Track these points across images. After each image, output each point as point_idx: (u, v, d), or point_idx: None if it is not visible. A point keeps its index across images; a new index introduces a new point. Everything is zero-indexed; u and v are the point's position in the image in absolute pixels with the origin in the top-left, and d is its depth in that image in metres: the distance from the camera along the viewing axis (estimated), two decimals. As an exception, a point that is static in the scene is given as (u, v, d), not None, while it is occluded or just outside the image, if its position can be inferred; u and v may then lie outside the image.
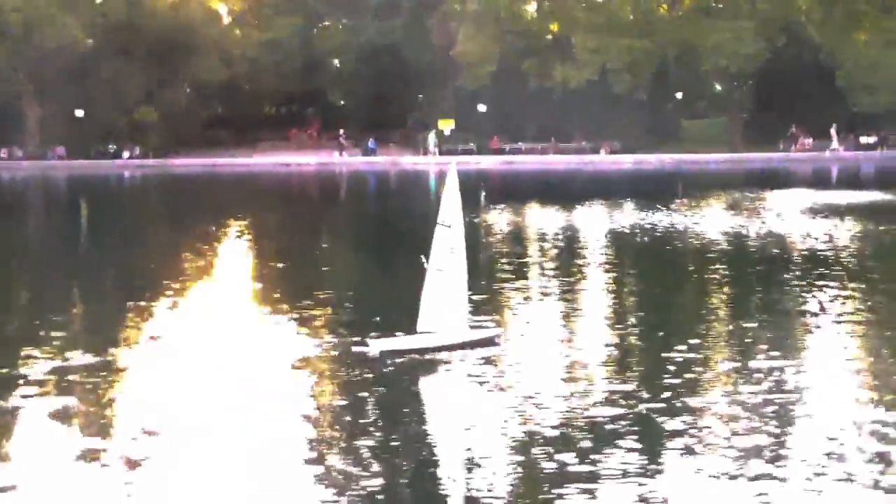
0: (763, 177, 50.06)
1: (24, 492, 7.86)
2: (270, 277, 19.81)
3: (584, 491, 7.65)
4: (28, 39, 67.71)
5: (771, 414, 9.44)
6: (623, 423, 9.25)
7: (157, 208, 41.57)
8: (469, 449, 8.74)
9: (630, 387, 10.52)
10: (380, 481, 8.02)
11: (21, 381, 11.01)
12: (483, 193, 39.96)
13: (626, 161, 64.15)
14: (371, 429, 9.37)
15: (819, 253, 20.83)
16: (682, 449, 8.49)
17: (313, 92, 79.97)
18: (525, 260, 21.05)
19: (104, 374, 11.40)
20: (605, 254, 22.35)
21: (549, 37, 74.66)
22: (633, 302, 16.67)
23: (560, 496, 7.60)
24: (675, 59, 71.14)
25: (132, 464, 8.39)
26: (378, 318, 13.99)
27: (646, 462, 8.19)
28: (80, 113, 69.57)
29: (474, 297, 14.08)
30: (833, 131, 66.65)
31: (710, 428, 9.06)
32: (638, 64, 69.13)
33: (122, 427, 9.40)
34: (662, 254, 22.17)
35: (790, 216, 28.60)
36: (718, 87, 76.34)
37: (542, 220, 29.12)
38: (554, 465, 8.24)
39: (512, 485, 7.88)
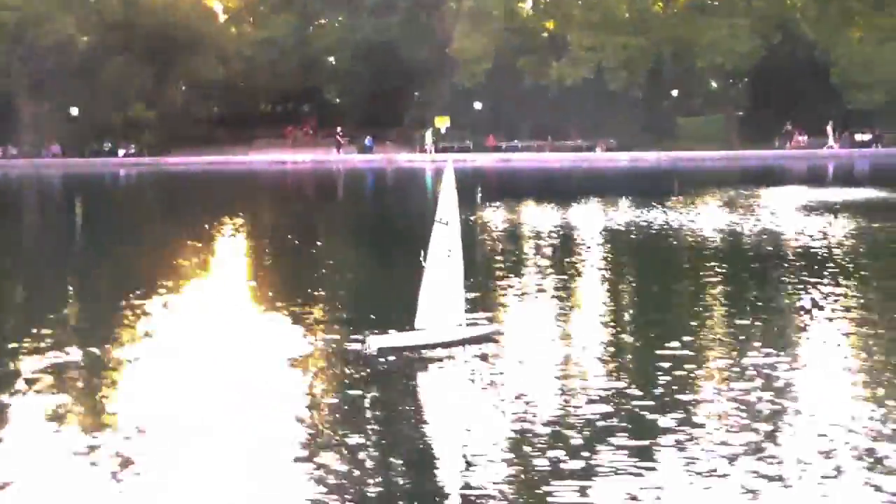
0: (758, 174, 50.15)
1: (18, 490, 7.89)
2: (267, 275, 19.84)
3: (579, 488, 7.71)
4: (23, 37, 67.64)
5: (763, 411, 9.50)
6: (618, 420, 9.31)
7: (153, 206, 41.56)
8: (466, 446, 8.80)
9: (625, 384, 10.57)
10: (376, 479, 8.07)
11: (14, 380, 11.03)
12: (479, 191, 40.00)
13: (622, 159, 64.23)
14: (368, 426, 9.42)
15: (813, 250, 20.91)
16: (675, 446, 8.55)
17: (309, 89, 80.00)
18: (521, 257, 21.10)
19: (99, 372, 11.44)
20: (601, 251, 22.41)
21: (545, 34, 74.75)
22: (629, 299, 16.73)
23: (555, 493, 7.66)
24: (671, 56, 71.27)
25: (127, 462, 8.43)
26: (376, 315, 14.03)
27: (640, 460, 8.25)
28: (75, 111, 69.52)
29: (471, 295, 14.13)
30: (829, 129, 66.79)
31: (703, 426, 9.11)
32: (634, 61, 69.24)
33: (116, 426, 9.43)
34: (658, 251, 22.23)
35: (785, 213, 28.68)
36: (714, 85, 76.48)
37: (538, 217, 29.17)
38: (549, 462, 8.30)
39: (508, 482, 7.93)
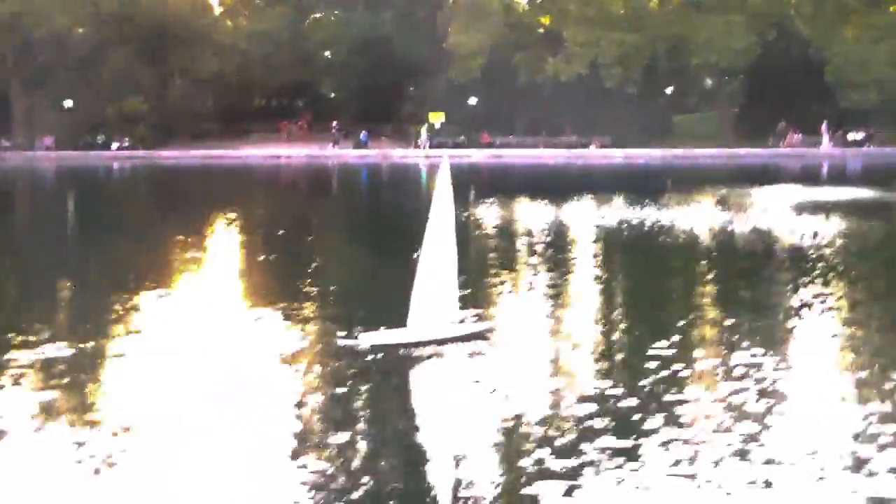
0: (752, 172, 50.24)
1: (5, 490, 7.89)
2: (259, 271, 19.85)
3: (565, 488, 7.74)
4: (17, 29, 67.45)
5: (750, 412, 9.51)
6: (604, 420, 9.32)
7: (145, 200, 41.51)
8: (455, 444, 8.83)
9: (613, 383, 10.61)
10: (367, 476, 8.10)
11: (3, 374, 11.03)
12: (473, 187, 40.02)
13: (617, 156, 64.29)
14: (358, 423, 9.45)
15: (804, 249, 20.98)
16: (661, 447, 8.54)
17: (304, 84, 79.92)
18: (514, 254, 21.14)
19: (88, 368, 11.43)
20: (593, 249, 22.46)
21: (541, 30, 74.73)
22: (619, 297, 16.78)
23: (540, 493, 7.69)
24: (666, 53, 71.32)
25: (116, 459, 8.42)
26: (368, 312, 14.04)
27: (626, 460, 8.25)
28: (68, 103, 69.35)
29: (464, 292, 14.15)
30: (824, 128, 66.93)
31: (689, 427, 9.12)
32: (629, 58, 69.30)
33: (105, 423, 9.41)
34: (650, 249, 22.28)
35: (777, 212, 28.76)
36: (709, 82, 76.60)
37: (531, 214, 29.21)
38: (535, 462, 8.32)
39: (494, 481, 7.95)
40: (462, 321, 12.92)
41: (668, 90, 73.19)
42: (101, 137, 70.75)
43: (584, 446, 8.57)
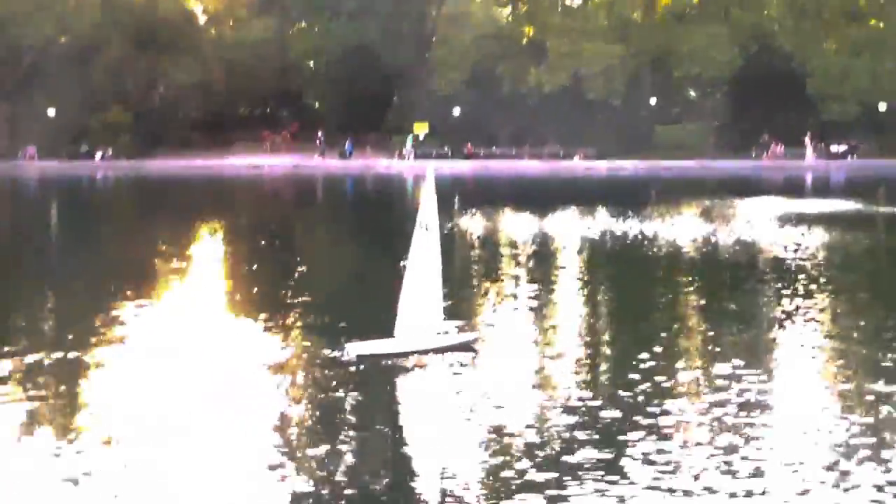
0: (735, 184, 50.49)
1: None
2: (246, 281, 19.83)
3: (550, 498, 7.77)
4: (0, 37, 67.16)
5: (730, 424, 9.55)
6: (585, 432, 9.38)
7: (129, 210, 41.36)
8: (442, 454, 8.87)
9: (595, 395, 10.69)
10: (352, 486, 8.13)
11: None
12: (457, 198, 40.07)
13: (600, 167, 64.50)
14: (345, 433, 9.48)
15: (786, 261, 21.12)
16: (641, 459, 8.57)
17: (288, 94, 79.80)
18: (498, 266, 21.20)
19: (74, 377, 11.42)
20: (577, 260, 22.56)
21: (524, 41, 74.95)
22: (603, 309, 16.87)
23: (528, 500, 7.74)
24: (650, 65, 71.66)
25: (102, 467, 8.42)
26: (355, 323, 14.07)
27: (606, 472, 8.28)
28: (51, 112, 69.03)
29: (449, 303, 14.20)
30: (807, 140, 67.38)
31: (669, 438, 9.15)
32: (612, 69, 69.54)
33: (92, 431, 9.41)
34: (633, 260, 22.39)
35: (760, 224, 28.93)
36: (692, 94, 76.97)
37: (515, 225, 29.29)
38: (522, 471, 8.38)
39: (480, 491, 8.00)
40: (447, 332, 12.96)
41: (652, 101, 73.49)
42: (85, 147, 70.43)
43: (566, 458, 8.62)
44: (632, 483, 8.03)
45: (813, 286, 17.75)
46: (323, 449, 8.97)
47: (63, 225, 34.06)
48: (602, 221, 29.74)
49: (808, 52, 69.50)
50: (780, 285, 17.94)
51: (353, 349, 12.30)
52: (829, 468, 8.38)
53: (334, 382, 11.18)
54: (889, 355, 12.39)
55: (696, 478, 8.17)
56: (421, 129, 70.68)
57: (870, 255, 23.61)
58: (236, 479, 8.26)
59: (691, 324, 14.95)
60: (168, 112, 74.25)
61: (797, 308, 15.59)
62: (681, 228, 27.66)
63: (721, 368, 11.65)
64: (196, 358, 12.31)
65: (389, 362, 12.03)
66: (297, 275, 20.21)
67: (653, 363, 11.88)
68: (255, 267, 21.73)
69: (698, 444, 9.00)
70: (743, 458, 8.64)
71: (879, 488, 7.95)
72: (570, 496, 7.80)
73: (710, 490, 7.93)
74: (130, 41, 71.62)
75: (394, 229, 26.92)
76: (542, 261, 21.90)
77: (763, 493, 7.90)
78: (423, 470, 8.60)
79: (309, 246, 27.17)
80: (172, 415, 9.98)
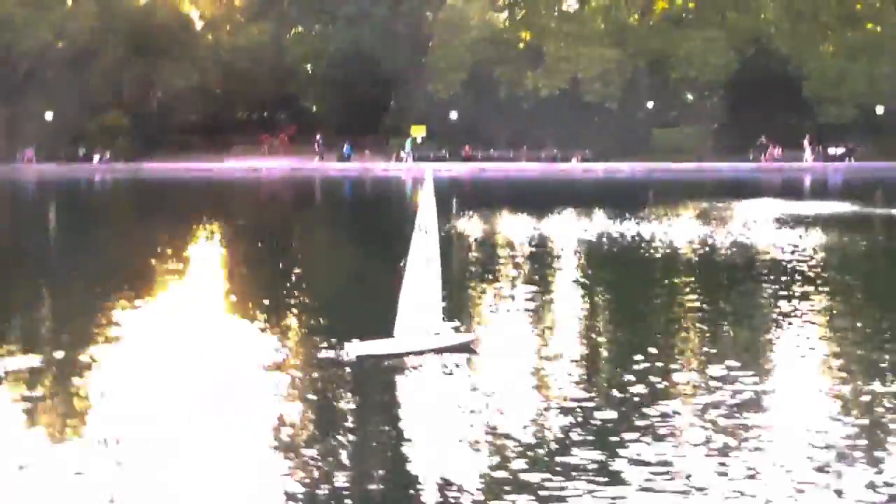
0: (732, 187, 50.59)
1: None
2: (244, 283, 19.87)
3: (543, 498, 7.81)
4: (-2, 41, 67.18)
5: (724, 426, 9.55)
6: (581, 434, 9.42)
7: (127, 213, 41.39)
8: (441, 454, 8.92)
9: (592, 396, 10.74)
10: (352, 487, 8.17)
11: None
12: (454, 201, 40.14)
13: (597, 170, 64.60)
14: (345, 433, 9.52)
15: (783, 263, 21.18)
16: (635, 461, 8.59)
17: (286, 97, 79.87)
18: (496, 268, 21.25)
19: (72, 378, 11.44)
20: (575, 262, 22.62)
21: (521, 45, 75.05)
22: (600, 310, 16.92)
23: (524, 500, 7.78)
24: (647, 68, 71.78)
25: (101, 467, 8.46)
26: (354, 323, 14.11)
27: (599, 475, 8.30)
28: (49, 116, 69.05)
29: (447, 304, 14.25)
30: (806, 142, 67.53)
31: (664, 440, 9.17)
32: (609, 73, 69.65)
33: (90, 431, 9.44)
34: (630, 263, 22.45)
35: (757, 226, 29.00)
36: (690, 97, 77.08)
37: (512, 228, 29.35)
38: (520, 469, 8.43)
39: (479, 491, 8.04)
40: (446, 332, 13.01)
41: (649, 105, 73.61)
42: (83, 150, 70.47)
43: (561, 459, 8.65)
44: (627, 484, 8.07)
45: (809, 288, 17.81)
46: (321, 449, 9.02)
47: (60, 227, 34.08)
48: (599, 223, 29.81)
49: (805, 56, 69.67)
50: (776, 287, 17.99)
51: (353, 349, 12.35)
52: (824, 470, 8.41)
53: (333, 383, 11.23)
54: (885, 356, 12.44)
55: (690, 478, 8.20)
56: (418, 132, 70.77)
57: (866, 257, 23.68)
58: (235, 479, 8.30)
59: (688, 325, 15.00)
60: (166, 115, 74.31)
61: (794, 309, 15.65)
62: (678, 230, 27.72)
63: (717, 370, 11.69)
64: (194, 359, 12.34)
65: (388, 363, 12.07)
66: (295, 276, 20.25)
67: (649, 364, 11.93)
68: (253, 269, 21.77)
69: (693, 445, 9.04)
70: (738, 459, 8.66)
71: (874, 490, 7.99)
72: (564, 497, 7.84)
73: (704, 491, 7.96)
74: (128, 45, 71.69)
75: (392, 231, 26.98)
76: (540, 262, 21.96)
77: (757, 494, 7.92)
78: (419, 470, 8.64)
79: (308, 248, 27.22)
80: (170, 416, 10.02)
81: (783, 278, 18.93)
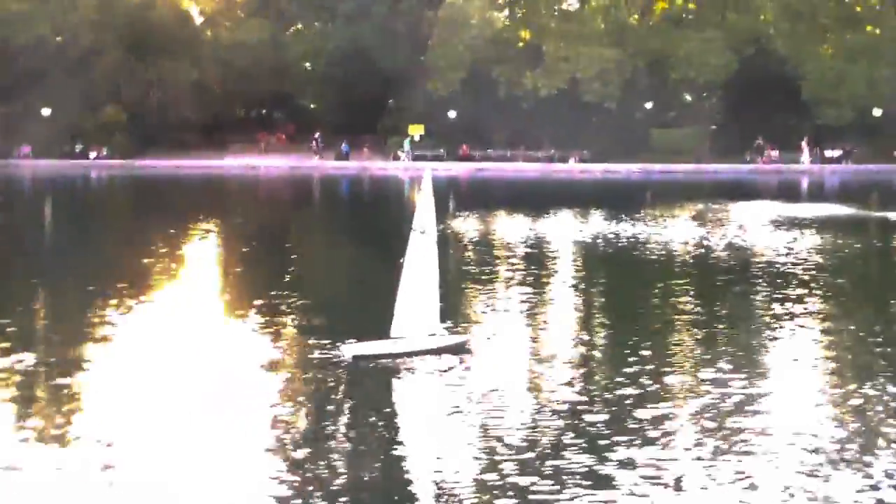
0: (729, 188, 50.64)
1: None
2: (242, 282, 19.88)
3: (540, 500, 7.84)
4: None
5: (716, 429, 9.60)
6: (573, 436, 9.47)
7: (123, 210, 41.36)
8: (433, 456, 8.95)
9: (586, 399, 10.79)
10: (348, 487, 8.20)
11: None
12: (452, 200, 40.16)
13: (596, 170, 64.64)
14: (342, 434, 9.55)
15: (778, 265, 21.23)
16: (625, 464, 8.63)
17: (284, 95, 79.83)
18: (494, 268, 21.27)
19: (67, 378, 11.45)
20: (571, 263, 22.65)
21: (521, 44, 75.06)
22: (596, 312, 16.95)
23: (530, 498, 7.81)
24: (646, 68, 71.81)
25: (96, 467, 8.48)
26: (350, 324, 14.13)
27: (594, 476, 8.36)
28: (46, 112, 68.99)
29: (444, 304, 14.27)
30: (804, 144, 67.60)
31: (655, 443, 9.21)
32: (608, 73, 69.68)
33: (86, 433, 9.44)
34: (627, 264, 22.49)
35: (753, 228, 29.05)
36: (688, 98, 77.13)
37: (510, 228, 29.37)
38: (513, 472, 8.47)
39: (472, 493, 8.07)
40: (443, 333, 13.04)
41: (647, 105, 73.65)
42: (79, 146, 70.42)
43: (553, 462, 8.68)
44: (616, 488, 8.11)
45: (803, 290, 17.85)
46: (316, 449, 9.05)
47: (55, 224, 34.05)
48: (596, 224, 29.84)
49: (804, 57, 69.71)
50: (770, 289, 18.03)
51: (349, 350, 12.37)
52: (815, 474, 8.45)
53: (330, 383, 11.26)
54: (878, 360, 12.49)
55: (681, 482, 8.23)
56: (416, 131, 70.77)
57: (861, 260, 23.73)
58: (230, 479, 8.32)
59: (681, 328, 15.03)
60: (163, 113, 74.19)
61: (787, 312, 15.69)
62: (674, 232, 27.76)
63: (710, 373, 11.73)
64: (191, 358, 12.36)
65: (384, 363, 12.10)
66: (292, 275, 20.26)
67: (642, 367, 11.97)
68: (250, 268, 21.78)
69: (685, 448, 9.07)
70: (729, 463, 8.70)
71: (864, 494, 8.02)
72: (555, 501, 7.86)
73: (694, 495, 7.99)
74: (126, 42, 71.61)
75: (390, 230, 27.01)
76: (535, 263, 21.98)
77: (748, 498, 7.95)
78: (411, 472, 8.68)
79: (305, 247, 27.22)
80: (166, 415, 10.04)
81: (778, 281, 18.98)
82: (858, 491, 8.05)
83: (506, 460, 8.73)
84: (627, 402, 10.50)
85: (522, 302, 16.74)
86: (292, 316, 15.29)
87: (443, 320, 13.38)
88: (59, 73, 67.35)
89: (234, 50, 76.70)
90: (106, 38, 71.22)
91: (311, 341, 13.14)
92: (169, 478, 8.32)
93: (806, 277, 19.52)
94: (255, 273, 20.94)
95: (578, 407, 10.35)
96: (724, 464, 8.65)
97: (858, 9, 73.41)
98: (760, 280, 19.41)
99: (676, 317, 15.90)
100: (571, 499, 7.87)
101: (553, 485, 8.15)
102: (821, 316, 15.79)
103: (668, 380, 11.47)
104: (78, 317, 15.17)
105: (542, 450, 9.03)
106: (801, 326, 14.73)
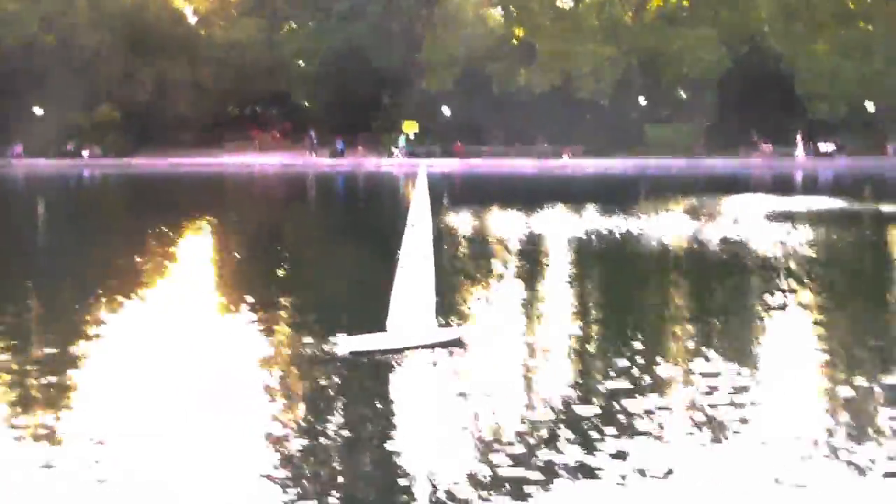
0: (723, 183, 50.73)
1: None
2: (239, 278, 19.91)
3: (521, 495, 7.88)
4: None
5: (704, 422, 9.62)
6: (572, 426, 9.55)
7: (116, 208, 41.34)
8: (431, 449, 9.01)
9: (583, 390, 10.88)
10: (343, 480, 8.26)
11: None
12: (446, 197, 40.20)
13: (589, 166, 64.72)
14: (337, 428, 9.60)
15: (771, 259, 21.31)
16: (620, 456, 8.67)
17: (278, 94, 79.79)
18: (488, 263, 21.32)
19: (61, 375, 11.47)
20: (565, 258, 22.71)
21: (514, 41, 75.10)
22: (589, 306, 17.02)
23: (521, 492, 7.86)
24: (640, 65, 71.88)
25: (88, 464, 8.51)
26: (347, 318, 14.17)
27: (584, 469, 8.41)
28: (39, 111, 68.88)
29: (441, 299, 14.32)
30: (799, 138, 67.79)
31: (645, 436, 9.25)
32: (602, 70, 69.75)
33: (78, 430, 9.46)
34: (620, 259, 22.56)
35: (746, 222, 29.12)
36: (683, 94, 77.23)
37: (504, 224, 29.42)
38: (506, 465, 8.52)
39: (467, 485, 8.12)
40: (437, 328, 13.08)
41: (641, 101, 73.73)
42: (73, 145, 70.33)
43: (542, 455, 8.72)
44: (607, 480, 8.15)
45: (796, 284, 17.94)
46: (312, 443, 9.10)
47: (48, 223, 34.01)
48: (590, 219, 29.90)
49: (797, 53, 69.84)
50: (763, 283, 18.12)
51: (346, 344, 12.42)
52: (805, 465, 8.50)
53: (326, 377, 11.30)
54: (868, 353, 12.55)
55: (671, 473, 8.28)
56: (410, 128, 70.80)
57: (853, 254, 23.81)
58: (225, 473, 8.36)
59: (675, 321, 15.09)
60: (157, 111, 74.11)
61: (780, 305, 15.78)
62: (668, 227, 27.82)
63: (701, 365, 11.79)
64: (186, 355, 12.40)
65: (380, 358, 12.14)
66: (289, 271, 20.29)
67: (634, 360, 12.03)
68: (246, 264, 21.81)
69: (677, 441, 9.12)
70: (719, 455, 8.74)
71: (856, 483, 8.08)
72: (546, 494, 7.91)
73: (686, 487, 8.04)
74: (120, 40, 71.53)
75: (385, 227, 27.04)
76: (529, 259, 22.04)
77: (738, 490, 8.00)
78: (407, 465, 8.73)
79: (300, 243, 27.25)
80: (163, 411, 10.08)
81: (771, 274, 19.06)
82: (849, 482, 8.11)
83: (499, 453, 8.79)
84: (620, 394, 10.56)
85: (517, 296, 16.81)
86: (288, 312, 15.34)
87: (438, 315, 13.42)
88: (52, 72, 67.25)
89: (229, 49, 76.66)
90: (100, 37, 71.12)
91: (306, 337, 13.19)
92: (162, 473, 8.35)
93: (798, 270, 19.60)
94: (250, 270, 20.98)
95: (571, 400, 10.42)
96: (715, 455, 8.71)
97: (851, 5, 73.55)
98: (753, 273, 19.50)
99: (669, 310, 15.97)
100: (563, 492, 7.92)
101: (545, 477, 8.20)
102: (813, 309, 15.86)
103: (660, 372, 11.53)
104: (71, 315, 15.19)
105: (535, 443, 9.08)
106: (794, 319, 14.81)
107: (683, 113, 75.23)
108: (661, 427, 9.45)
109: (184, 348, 12.73)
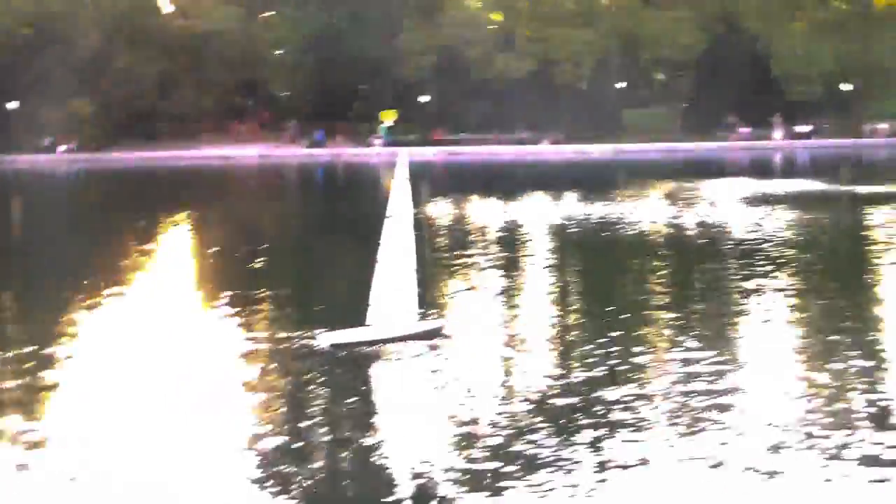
0: (701, 166, 50.91)
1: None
2: (219, 271, 19.88)
3: (493, 487, 7.96)
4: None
5: (683, 410, 9.74)
6: (549, 417, 9.63)
7: (94, 203, 41.08)
8: (412, 441, 9.09)
9: (561, 382, 10.99)
10: (324, 473, 8.33)
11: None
12: (425, 185, 40.19)
13: (568, 151, 64.81)
14: (318, 421, 9.65)
15: (748, 242, 21.45)
16: (597, 447, 8.76)
17: (256, 83, 79.35)
18: (469, 252, 21.38)
19: (40, 372, 11.46)
20: (544, 245, 22.80)
21: (492, 27, 74.99)
22: (569, 294, 17.12)
23: (472, 491, 7.92)
24: (617, 49, 71.95)
25: (75, 462, 8.54)
26: (328, 311, 14.20)
27: (561, 459, 8.50)
28: (12, 105, 68.25)
29: (420, 290, 14.36)
30: (775, 120, 68.06)
31: (621, 425, 9.35)
32: (580, 54, 69.78)
33: (59, 429, 9.47)
34: (599, 245, 22.67)
35: (725, 205, 29.28)
36: (661, 77, 77.37)
37: (484, 211, 29.48)
38: (483, 456, 8.60)
39: (448, 477, 8.19)
40: (418, 320, 13.13)
41: (619, 85, 73.80)
42: (48, 140, 69.72)
43: (519, 447, 8.78)
44: (583, 471, 8.22)
45: (771, 267, 18.06)
46: (292, 437, 9.14)
47: (24, 219, 33.75)
48: (569, 206, 29.99)
49: (774, 35, 70.02)
50: (741, 266, 18.25)
51: (327, 338, 12.45)
52: (782, 451, 8.57)
53: (307, 371, 11.34)
54: (843, 336, 12.66)
55: (647, 462, 8.36)
56: (389, 116, 70.64)
57: (828, 235, 23.98)
58: (207, 467, 8.40)
59: (654, 307, 15.19)
60: (134, 103, 73.56)
61: (758, 288, 15.91)
62: (646, 211, 27.94)
63: (678, 353, 11.90)
64: (168, 348, 12.41)
65: (362, 350, 12.19)
66: (268, 264, 20.27)
67: (613, 348, 12.12)
68: (226, 257, 21.76)
69: (653, 429, 9.20)
70: (696, 444, 8.82)
71: (832, 468, 8.19)
72: (523, 484, 7.98)
73: (662, 475, 8.13)
74: (95, 32, 70.93)
75: (364, 217, 27.04)
76: (511, 247, 22.11)
77: (715, 478, 8.08)
78: (388, 457, 8.77)
79: (280, 235, 27.21)
80: (144, 405, 10.10)
81: (748, 257, 19.19)
82: (825, 467, 8.20)
83: (478, 446, 8.85)
84: (598, 384, 10.64)
85: (497, 286, 16.88)
86: (269, 304, 15.35)
87: (421, 306, 13.49)
88: (25, 66, 66.61)
89: (205, 38, 76.14)
90: (73, 29, 70.49)
91: (287, 330, 13.21)
92: (144, 469, 8.38)
93: (775, 253, 19.75)
94: (232, 262, 20.93)
95: (549, 391, 10.51)
96: (692, 443, 8.79)
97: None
98: (731, 257, 19.65)
99: (648, 296, 16.08)
100: (541, 483, 7.99)
101: (522, 468, 8.26)
102: (789, 292, 15.99)
103: (637, 361, 11.63)
104: (49, 312, 15.14)
105: (512, 435, 9.15)
106: (770, 304, 14.92)
107: (661, 96, 75.40)
108: (639, 417, 9.55)
109: (163, 341, 12.73)
